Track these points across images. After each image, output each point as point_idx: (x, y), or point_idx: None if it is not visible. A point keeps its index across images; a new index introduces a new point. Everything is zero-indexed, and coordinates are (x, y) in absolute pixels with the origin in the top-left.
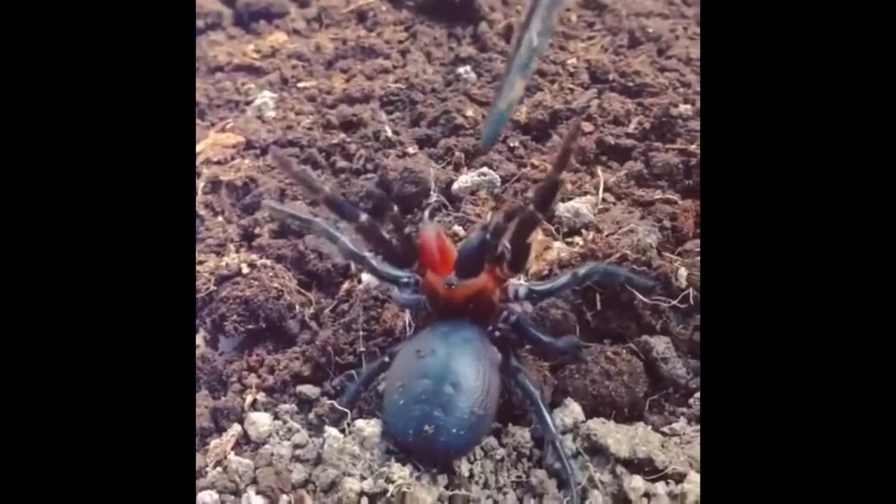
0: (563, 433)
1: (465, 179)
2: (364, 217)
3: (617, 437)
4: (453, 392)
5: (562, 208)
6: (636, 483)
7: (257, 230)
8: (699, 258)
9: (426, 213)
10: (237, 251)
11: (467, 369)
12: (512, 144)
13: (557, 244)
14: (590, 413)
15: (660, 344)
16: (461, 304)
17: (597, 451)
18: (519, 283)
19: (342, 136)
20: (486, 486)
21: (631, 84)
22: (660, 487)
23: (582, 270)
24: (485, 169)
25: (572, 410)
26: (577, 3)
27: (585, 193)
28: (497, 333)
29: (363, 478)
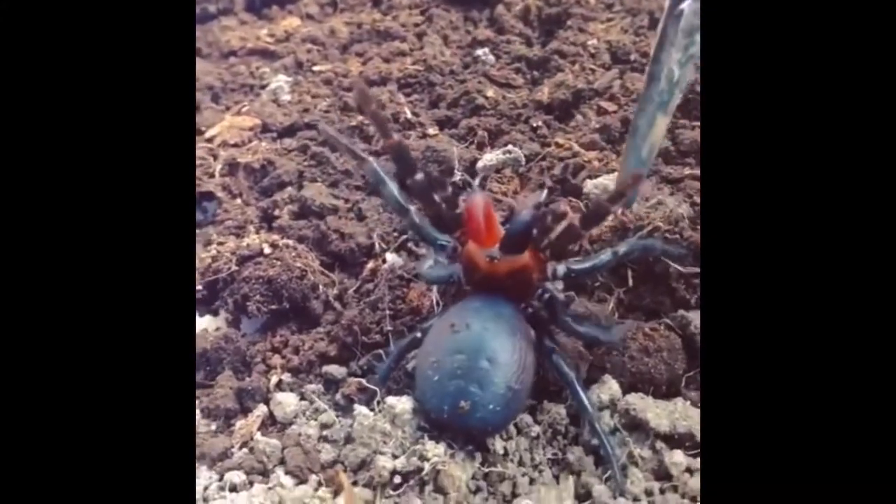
0: (601, 409)
1: (489, 157)
2: (421, 175)
3: (657, 411)
4: (489, 367)
5: (590, 185)
6: (677, 458)
7: (276, 212)
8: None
9: (475, 182)
10: (257, 232)
11: (503, 344)
12: (535, 124)
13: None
14: (627, 389)
15: (696, 318)
16: (501, 280)
17: (636, 426)
18: (558, 263)
19: (360, 118)
20: (521, 463)
21: None
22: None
23: (622, 249)
24: (510, 147)
25: (610, 387)
26: None
27: (613, 171)
28: (530, 311)
29: (395, 456)
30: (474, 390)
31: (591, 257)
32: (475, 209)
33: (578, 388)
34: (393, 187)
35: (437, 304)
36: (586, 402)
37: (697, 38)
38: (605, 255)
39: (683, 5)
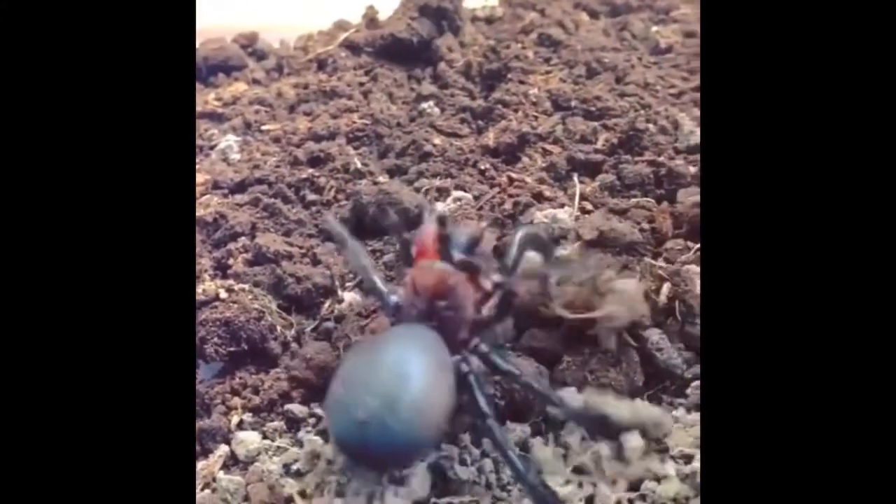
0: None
1: (441, 207)
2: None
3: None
4: (394, 382)
5: (539, 216)
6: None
7: (230, 261)
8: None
9: (428, 214)
10: (212, 280)
11: (410, 358)
12: (483, 167)
13: (532, 255)
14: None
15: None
16: (432, 294)
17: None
18: (481, 341)
19: (310, 170)
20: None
21: (593, 108)
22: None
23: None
24: (458, 193)
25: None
26: (533, 41)
27: (563, 205)
28: (463, 366)
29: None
30: (373, 403)
31: (508, 363)
32: (427, 232)
33: (495, 430)
34: (372, 272)
35: None
36: (498, 436)
37: None
38: (512, 370)
39: None
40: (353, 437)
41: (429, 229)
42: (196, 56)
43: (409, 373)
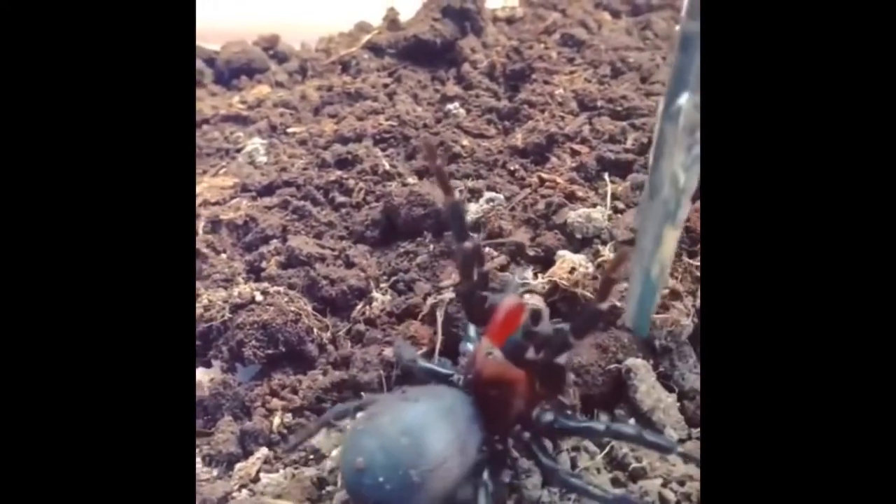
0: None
1: (474, 209)
2: (471, 243)
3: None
4: (406, 442)
5: (573, 216)
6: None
7: (263, 264)
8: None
9: (513, 285)
10: (246, 283)
11: (437, 434)
12: (512, 168)
13: (572, 256)
14: None
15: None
16: (484, 382)
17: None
18: (546, 410)
19: (339, 173)
20: None
21: (619, 108)
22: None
23: (623, 429)
24: (490, 194)
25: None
26: (556, 42)
27: (595, 205)
28: (499, 447)
29: None
30: (378, 456)
31: (583, 419)
32: (502, 308)
33: None
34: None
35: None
36: None
37: (698, 135)
38: (598, 425)
39: (681, 100)
40: (350, 480)
41: (508, 302)
42: (197, 58)
43: (426, 444)
